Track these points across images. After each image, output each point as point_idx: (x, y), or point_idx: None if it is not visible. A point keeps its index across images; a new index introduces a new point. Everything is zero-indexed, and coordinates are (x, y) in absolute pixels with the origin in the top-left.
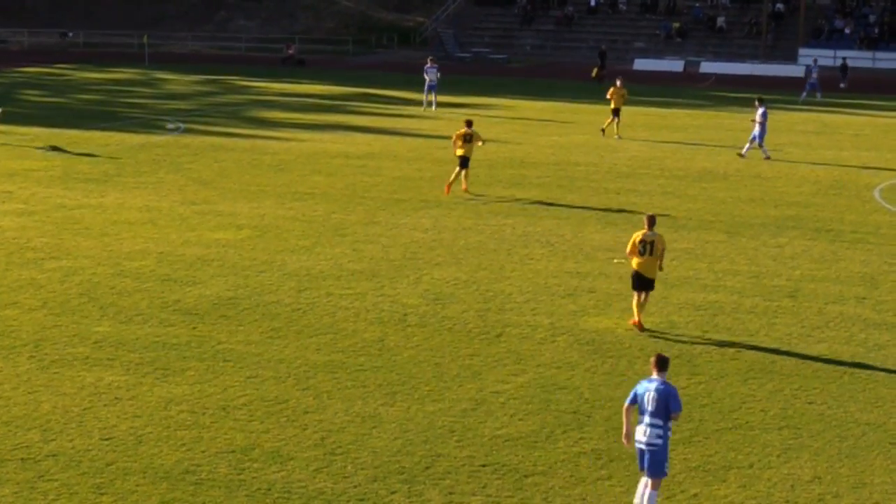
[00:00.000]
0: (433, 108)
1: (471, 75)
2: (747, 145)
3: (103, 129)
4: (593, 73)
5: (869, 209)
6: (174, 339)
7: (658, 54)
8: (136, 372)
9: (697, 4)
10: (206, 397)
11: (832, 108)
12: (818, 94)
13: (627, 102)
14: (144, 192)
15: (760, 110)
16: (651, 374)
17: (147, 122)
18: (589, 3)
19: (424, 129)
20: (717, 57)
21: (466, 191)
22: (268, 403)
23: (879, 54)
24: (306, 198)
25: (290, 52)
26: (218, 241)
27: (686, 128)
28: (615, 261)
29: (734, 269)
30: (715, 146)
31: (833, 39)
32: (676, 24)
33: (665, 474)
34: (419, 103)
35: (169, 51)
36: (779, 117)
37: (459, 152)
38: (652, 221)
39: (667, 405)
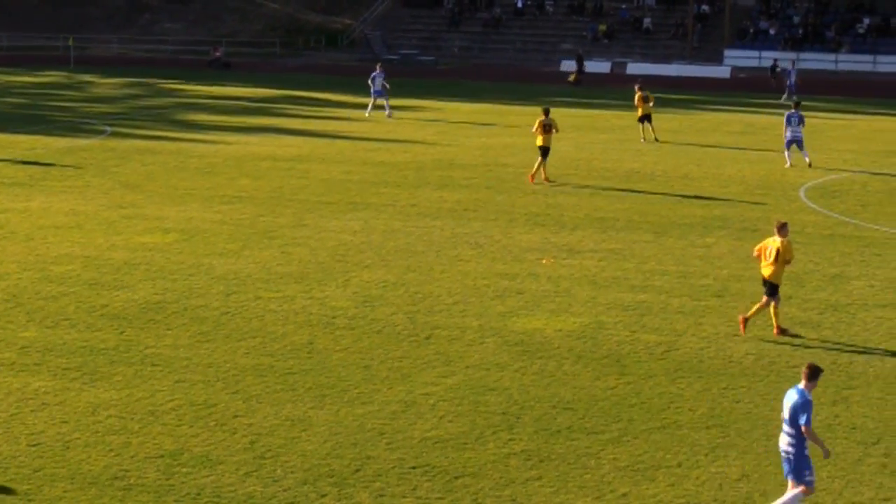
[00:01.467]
0: (387, 113)
1: (399, 77)
2: (803, 154)
3: (28, 132)
4: (571, 78)
5: (795, 209)
6: (102, 343)
7: (585, 56)
8: (64, 377)
9: (624, 6)
10: (135, 402)
11: (758, 109)
12: (794, 97)
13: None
14: (70, 196)
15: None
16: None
17: (73, 126)
18: (516, 4)
19: (352, 131)
20: (644, 58)
21: (547, 180)
22: (196, 408)
23: (804, 55)
24: (234, 201)
25: (217, 54)
26: (145, 245)
27: (613, 128)
28: (543, 262)
29: (662, 268)
30: (641, 147)
31: (758, 41)
32: (603, 26)
33: (805, 481)
34: (346, 105)
35: (94, 54)
36: (705, 117)
37: (539, 142)
38: (781, 228)
39: (795, 415)
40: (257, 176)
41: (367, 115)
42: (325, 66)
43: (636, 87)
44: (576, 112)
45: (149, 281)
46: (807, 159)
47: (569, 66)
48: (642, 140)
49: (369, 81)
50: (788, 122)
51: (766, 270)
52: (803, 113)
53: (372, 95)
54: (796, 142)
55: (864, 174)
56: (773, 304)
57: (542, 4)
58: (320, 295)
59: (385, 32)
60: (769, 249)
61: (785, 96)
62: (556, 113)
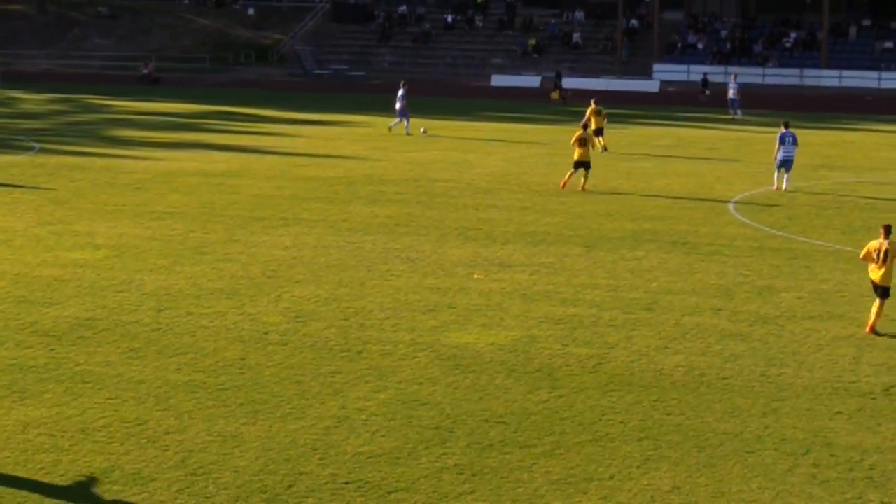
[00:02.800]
0: (404, 130)
1: (329, 92)
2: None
3: None
4: (555, 96)
5: (724, 221)
6: (31, 361)
7: (515, 70)
8: None
9: (553, 21)
10: (65, 420)
11: (687, 123)
12: (738, 113)
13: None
14: None
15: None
16: None
17: (1, 142)
18: (446, 19)
19: (283, 146)
20: (574, 72)
21: (584, 189)
22: (128, 425)
23: (732, 69)
24: (164, 217)
25: (147, 70)
26: (75, 262)
27: (544, 143)
28: (475, 276)
29: (593, 282)
30: (572, 161)
31: (686, 55)
32: (533, 41)
33: None
34: (276, 121)
35: (22, 69)
36: (634, 132)
37: (575, 156)
38: (887, 231)
39: None
40: (188, 191)
41: (417, 132)
42: (255, 81)
43: (592, 102)
44: (506, 126)
45: (79, 297)
46: (784, 185)
47: (500, 80)
48: (601, 150)
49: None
50: (782, 141)
51: (875, 274)
52: (794, 131)
53: (399, 115)
54: (786, 163)
55: (792, 187)
56: (879, 303)
57: (471, 19)
58: (252, 311)
59: (315, 48)
60: (877, 252)
61: (732, 112)
62: (483, 128)
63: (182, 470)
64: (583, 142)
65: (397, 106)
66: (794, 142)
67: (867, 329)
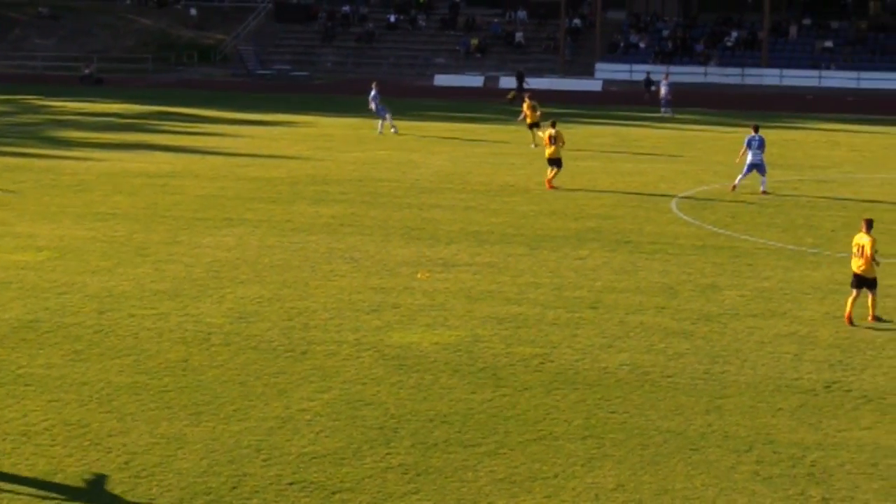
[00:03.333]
0: (393, 130)
1: (272, 92)
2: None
3: None
4: (510, 96)
5: (667, 220)
6: None
7: (458, 70)
8: None
9: (496, 20)
10: (6, 423)
11: (630, 122)
12: (668, 111)
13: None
14: None
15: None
16: None
17: None
18: (388, 19)
19: (226, 147)
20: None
21: (551, 187)
22: (70, 427)
23: (673, 68)
24: (107, 218)
25: (88, 70)
26: (17, 264)
27: (487, 142)
28: (419, 276)
29: (537, 281)
30: (516, 161)
31: (629, 54)
32: (475, 41)
33: None
34: (220, 121)
35: None
36: (577, 131)
37: (547, 154)
38: (867, 225)
39: None
40: (131, 192)
41: (379, 132)
42: (197, 81)
43: (527, 97)
44: (450, 126)
45: (21, 300)
46: (762, 187)
47: (443, 80)
48: (533, 146)
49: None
50: (748, 145)
51: (855, 265)
52: (762, 135)
53: (379, 115)
54: (756, 167)
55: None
56: (872, 295)
57: (414, 19)
58: (195, 311)
59: (258, 48)
60: (859, 247)
61: (664, 110)
62: (427, 127)
63: (125, 472)
64: (553, 139)
65: (372, 107)
66: (761, 145)
67: (846, 319)
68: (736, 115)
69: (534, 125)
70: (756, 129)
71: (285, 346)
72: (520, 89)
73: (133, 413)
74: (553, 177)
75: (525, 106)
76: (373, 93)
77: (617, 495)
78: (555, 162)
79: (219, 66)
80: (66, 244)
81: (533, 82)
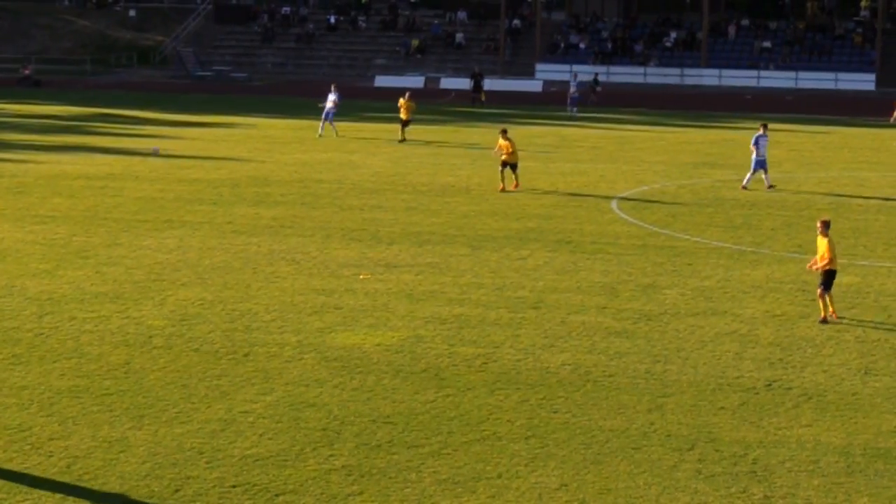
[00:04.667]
0: (334, 134)
1: (212, 94)
2: (765, 177)
3: None
4: (483, 97)
5: (607, 220)
6: None
7: (399, 71)
8: None
9: (436, 21)
10: None
11: (571, 123)
12: (574, 110)
13: (413, 115)
14: None
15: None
16: None
17: None
18: (328, 20)
19: (166, 149)
20: (457, 72)
21: (516, 187)
22: (10, 431)
23: (613, 69)
24: (47, 220)
25: (26, 72)
26: None
27: (428, 143)
28: (361, 277)
29: (479, 282)
30: (457, 161)
31: (569, 55)
32: (416, 41)
33: None
34: (159, 123)
35: None
36: (518, 131)
37: (503, 157)
38: (823, 226)
39: None
40: (70, 195)
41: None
42: (137, 83)
43: (407, 95)
44: (391, 127)
45: None
46: (766, 183)
47: (384, 81)
48: (399, 140)
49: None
50: (756, 143)
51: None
52: (769, 134)
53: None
54: (763, 163)
55: (674, 185)
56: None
57: (354, 20)
58: (136, 314)
59: (198, 49)
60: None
61: (570, 110)
62: (367, 128)
63: (67, 476)
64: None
65: (329, 106)
66: (766, 143)
67: (830, 314)
68: (675, 116)
69: (407, 122)
70: (765, 128)
71: (227, 348)
72: (477, 89)
73: (74, 416)
74: (517, 179)
75: (401, 102)
76: (335, 95)
77: (560, 495)
78: (510, 165)
79: (158, 68)
80: (4, 247)
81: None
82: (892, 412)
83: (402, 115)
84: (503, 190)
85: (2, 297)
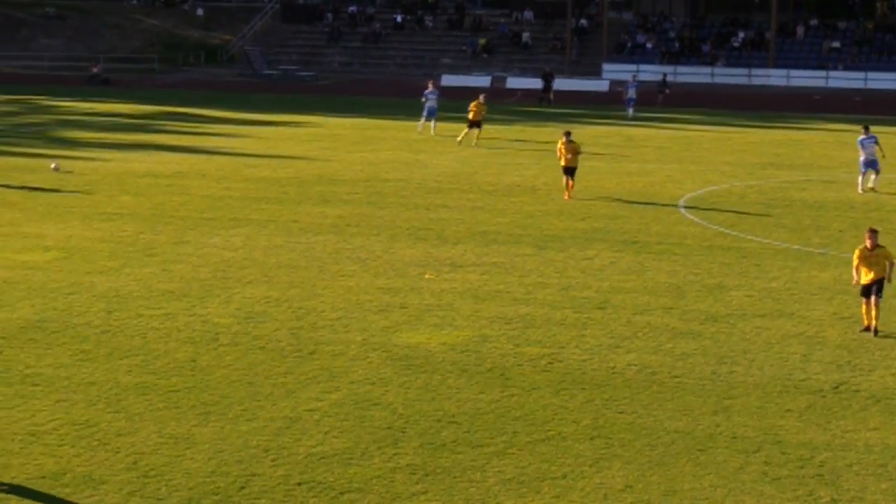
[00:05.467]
0: (432, 132)
1: (279, 93)
2: (873, 177)
3: None
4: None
5: (674, 220)
6: None
7: (465, 70)
8: None
9: (503, 21)
10: (14, 423)
11: (636, 123)
12: (631, 112)
13: (485, 118)
14: None
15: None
16: None
17: None
18: (395, 19)
19: (233, 147)
20: (523, 72)
21: (568, 197)
22: (78, 427)
23: (681, 69)
24: (114, 218)
25: (96, 70)
26: (24, 264)
27: (494, 143)
28: (426, 276)
29: (544, 281)
30: (523, 160)
31: (636, 54)
32: (483, 41)
33: None
34: (226, 121)
35: None
36: (584, 131)
37: (563, 163)
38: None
39: None
40: (137, 193)
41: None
42: (204, 82)
43: (482, 97)
44: (456, 127)
45: (28, 300)
46: (871, 184)
47: (450, 80)
48: (459, 141)
49: (423, 100)
50: (862, 145)
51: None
52: (874, 135)
53: (425, 113)
54: (871, 165)
55: (742, 186)
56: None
57: (421, 19)
58: (203, 312)
59: (265, 48)
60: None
61: (630, 111)
62: (437, 127)
63: (133, 472)
64: (570, 148)
65: (431, 104)
66: (875, 142)
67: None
68: (742, 116)
69: (477, 124)
70: (867, 130)
71: (293, 346)
72: (546, 89)
73: (141, 413)
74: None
75: (472, 105)
76: (432, 92)
77: (625, 495)
78: (570, 171)
79: (225, 67)
80: (73, 244)
81: (539, 83)
82: None
83: (470, 117)
84: (570, 198)
85: (70, 294)
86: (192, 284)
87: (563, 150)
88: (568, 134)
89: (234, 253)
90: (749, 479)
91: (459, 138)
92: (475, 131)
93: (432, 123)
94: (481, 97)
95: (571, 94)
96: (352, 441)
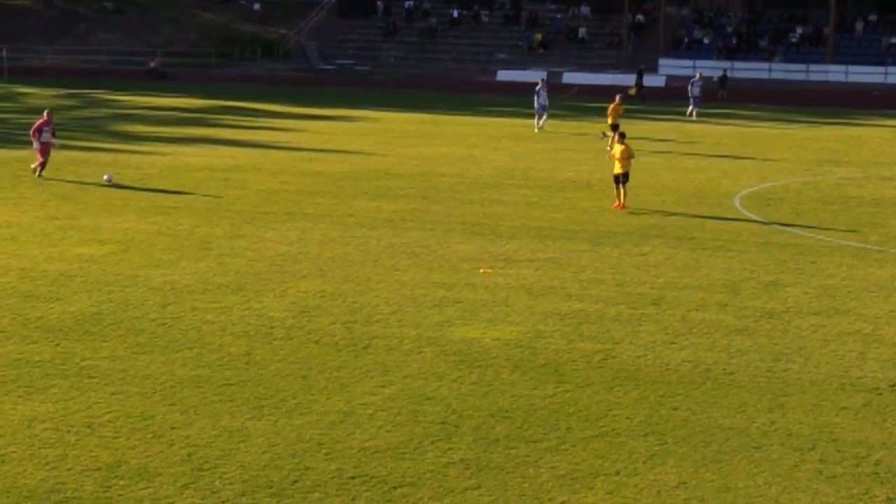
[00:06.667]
0: (541, 129)
1: (335, 87)
2: None
3: None
4: (632, 91)
5: (730, 216)
6: (37, 356)
7: (521, 65)
8: None
9: (559, 16)
10: (71, 415)
11: (692, 118)
12: (693, 110)
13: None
14: (5, 208)
15: None
16: None
17: (7, 137)
18: (451, 14)
19: (289, 141)
20: (580, 67)
21: (623, 207)
22: (133, 419)
23: (738, 64)
24: (170, 212)
25: (153, 64)
26: (81, 257)
27: (549, 138)
28: (481, 271)
29: (598, 277)
30: (578, 156)
31: (692, 50)
32: (539, 36)
33: None
34: (282, 116)
35: (29, 64)
36: (640, 127)
37: (616, 169)
38: None
39: None
40: (194, 186)
41: (536, 130)
42: (260, 76)
43: (618, 98)
44: (511, 121)
45: (85, 293)
46: None
47: (506, 76)
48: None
49: (535, 96)
50: None
51: None
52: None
53: (537, 111)
54: None
55: (799, 182)
56: None
57: (477, 14)
58: (257, 305)
59: (321, 43)
60: None
61: (690, 110)
62: (489, 123)
63: (188, 465)
64: (623, 152)
65: (540, 101)
66: None
67: None
68: (800, 112)
69: (615, 127)
70: None
71: (347, 340)
72: (640, 85)
73: (196, 406)
74: (623, 197)
75: (610, 109)
76: (545, 89)
77: (679, 492)
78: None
79: (282, 61)
80: (129, 237)
81: (596, 78)
82: None
83: (609, 121)
84: (620, 207)
85: (126, 287)
86: (247, 278)
87: (617, 155)
88: (623, 136)
89: (289, 247)
90: (804, 477)
91: (609, 145)
92: (614, 135)
93: (541, 119)
94: (618, 98)
95: (627, 89)
96: (405, 435)
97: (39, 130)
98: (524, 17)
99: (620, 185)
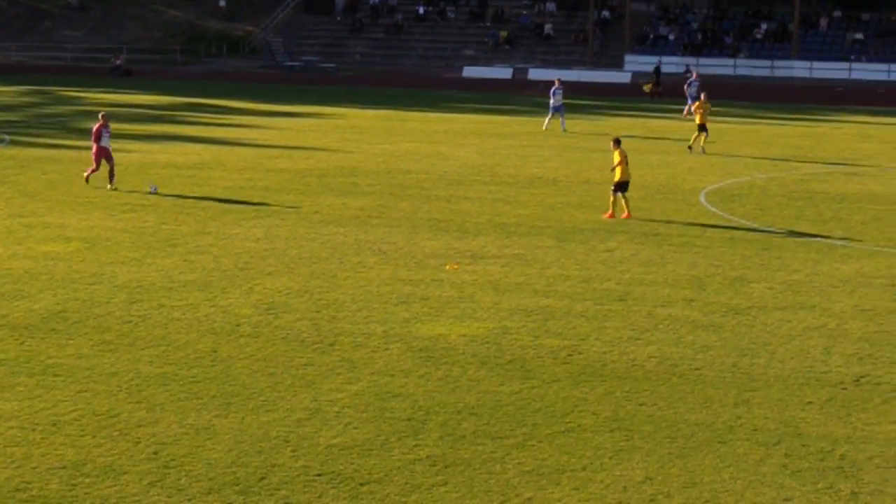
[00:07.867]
0: (563, 129)
1: (301, 84)
2: None
3: None
4: (647, 89)
5: (695, 213)
6: (2, 354)
7: (487, 62)
8: None
9: (525, 12)
10: (36, 413)
11: (658, 114)
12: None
13: (706, 116)
14: None
15: None
16: None
17: None
18: (417, 11)
19: (255, 138)
20: (545, 64)
21: (628, 216)
22: (99, 417)
23: (703, 60)
24: (136, 209)
25: (118, 62)
26: (46, 254)
27: (515, 134)
28: (447, 268)
29: (565, 273)
30: (544, 153)
31: (658, 46)
32: (504, 32)
33: None
34: (248, 112)
35: None
36: (606, 123)
37: (617, 176)
38: None
39: None
40: (159, 183)
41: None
42: (226, 73)
43: (703, 96)
44: (477, 118)
45: (50, 290)
46: None
47: (472, 72)
48: (700, 152)
49: (550, 95)
50: None
51: None
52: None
53: (550, 110)
54: None
55: (764, 178)
56: None
57: (443, 11)
58: (224, 303)
59: (287, 39)
60: None
61: (687, 108)
62: (455, 119)
63: (154, 462)
64: (625, 159)
65: (558, 101)
66: None
67: None
68: (765, 108)
69: (703, 127)
70: None
71: (313, 337)
72: (657, 83)
73: (162, 404)
74: (627, 205)
75: (696, 107)
76: (560, 90)
77: (645, 488)
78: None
79: (247, 58)
80: (95, 235)
81: (561, 74)
82: None
83: (698, 120)
84: (612, 216)
85: (92, 285)
86: (213, 275)
87: (620, 162)
88: (618, 141)
89: (255, 244)
90: (769, 472)
91: (690, 143)
92: (703, 135)
93: (556, 119)
94: (703, 96)
95: (593, 85)
96: (372, 432)
97: (99, 134)
98: (490, 13)
99: (622, 193)
